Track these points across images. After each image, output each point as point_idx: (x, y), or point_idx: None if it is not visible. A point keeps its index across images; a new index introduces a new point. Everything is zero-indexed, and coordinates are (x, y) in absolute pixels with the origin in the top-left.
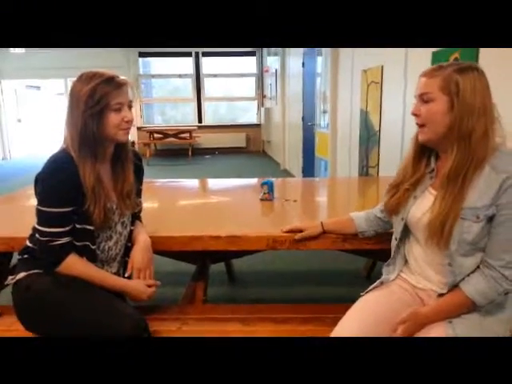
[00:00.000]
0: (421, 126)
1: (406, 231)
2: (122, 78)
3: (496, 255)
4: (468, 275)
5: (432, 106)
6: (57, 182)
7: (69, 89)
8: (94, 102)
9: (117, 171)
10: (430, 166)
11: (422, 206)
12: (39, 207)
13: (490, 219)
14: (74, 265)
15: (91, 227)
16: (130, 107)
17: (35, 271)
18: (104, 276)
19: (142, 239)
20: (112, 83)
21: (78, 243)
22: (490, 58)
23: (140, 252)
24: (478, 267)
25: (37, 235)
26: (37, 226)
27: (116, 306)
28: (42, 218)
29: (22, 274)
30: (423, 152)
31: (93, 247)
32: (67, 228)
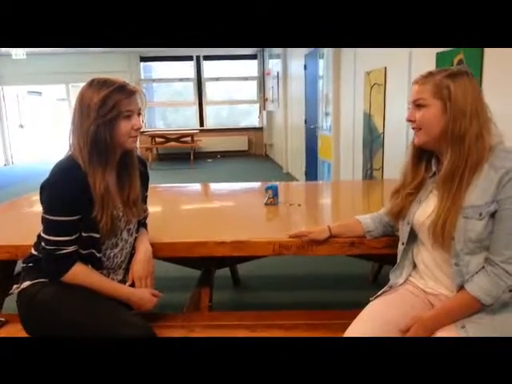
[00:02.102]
0: (417, 129)
1: (413, 235)
2: (132, 85)
3: (498, 251)
4: (473, 275)
5: (426, 111)
6: (64, 191)
7: (71, 94)
8: (106, 110)
9: (123, 178)
10: (431, 170)
11: (427, 209)
12: (46, 216)
13: (493, 216)
14: (80, 274)
15: (97, 235)
16: (139, 114)
17: (40, 280)
18: (110, 285)
19: (143, 249)
20: (124, 91)
21: (83, 251)
22: (495, 58)
23: (140, 262)
24: (483, 266)
25: (42, 243)
26: (43, 235)
27: (122, 315)
28: (49, 226)
29: (26, 283)
30: (421, 156)
31: (98, 255)
32: (74, 237)
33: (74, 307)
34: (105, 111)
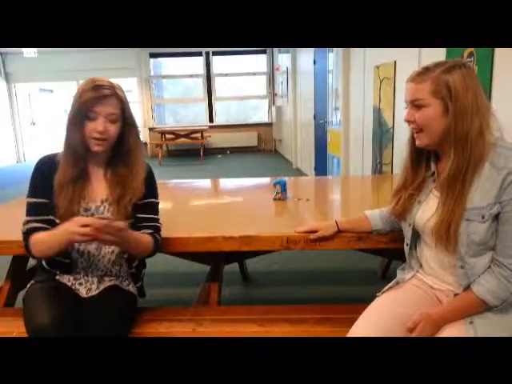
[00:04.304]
0: (417, 131)
1: (416, 235)
2: (111, 89)
3: (505, 252)
4: (479, 275)
5: (426, 111)
6: (34, 175)
7: None
8: (77, 108)
9: (112, 176)
10: (430, 169)
11: (428, 210)
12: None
13: (496, 217)
14: (35, 245)
15: (55, 218)
16: (110, 120)
17: (32, 281)
18: (54, 233)
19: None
20: (96, 92)
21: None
22: (507, 50)
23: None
24: (490, 267)
25: None
26: None
27: (35, 320)
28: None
29: (30, 283)
30: (421, 155)
31: None
32: (37, 217)
33: (25, 305)
34: (76, 109)
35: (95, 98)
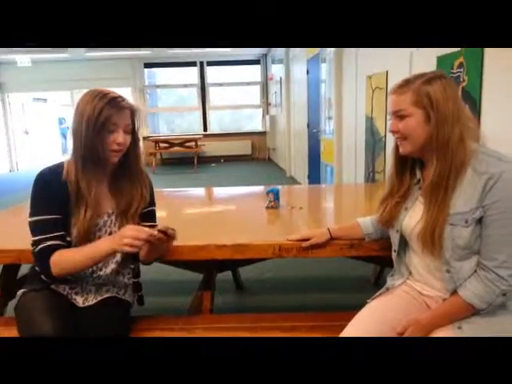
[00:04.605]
0: (401, 139)
1: (404, 242)
2: (126, 101)
3: (489, 256)
4: (465, 279)
5: (408, 121)
6: (37, 191)
7: (75, 101)
8: (94, 121)
9: (118, 188)
10: (415, 177)
11: (414, 217)
12: (28, 219)
13: (479, 221)
14: (57, 264)
15: (66, 235)
16: (128, 131)
17: (25, 290)
18: (88, 252)
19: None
20: (113, 104)
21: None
22: (496, 61)
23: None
24: (475, 271)
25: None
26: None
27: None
28: (30, 228)
29: (20, 292)
30: (405, 163)
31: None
32: (50, 235)
33: (21, 318)
34: (93, 122)
35: (116, 110)
